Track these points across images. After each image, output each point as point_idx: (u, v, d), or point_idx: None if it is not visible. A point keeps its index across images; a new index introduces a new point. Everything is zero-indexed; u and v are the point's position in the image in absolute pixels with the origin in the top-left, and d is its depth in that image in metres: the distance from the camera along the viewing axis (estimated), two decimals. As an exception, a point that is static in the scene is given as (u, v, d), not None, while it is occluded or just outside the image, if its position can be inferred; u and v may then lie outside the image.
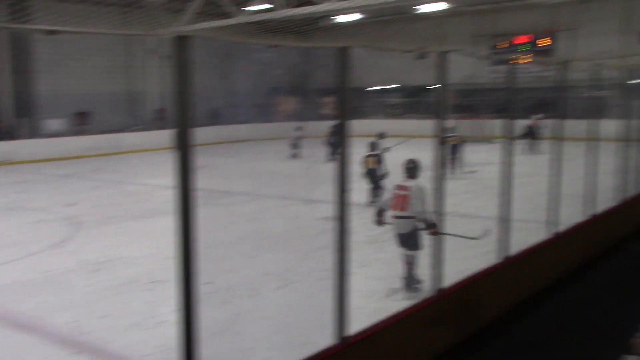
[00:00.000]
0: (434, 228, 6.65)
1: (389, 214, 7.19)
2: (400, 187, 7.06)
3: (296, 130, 22.78)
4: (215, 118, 30.32)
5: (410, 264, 6.99)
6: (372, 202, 12.17)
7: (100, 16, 21.73)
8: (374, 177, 12.36)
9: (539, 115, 22.28)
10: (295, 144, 22.38)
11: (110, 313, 6.66)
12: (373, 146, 12.63)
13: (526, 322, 6.38)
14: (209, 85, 28.80)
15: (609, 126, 10.64)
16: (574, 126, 9.90)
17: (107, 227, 11.18)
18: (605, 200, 9.73)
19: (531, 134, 22.50)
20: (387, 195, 7.55)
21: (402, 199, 6.96)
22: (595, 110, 10.25)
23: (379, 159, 12.36)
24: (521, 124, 22.34)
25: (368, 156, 12.53)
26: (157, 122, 28.46)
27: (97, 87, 25.99)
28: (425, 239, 6.78)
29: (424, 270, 5.82)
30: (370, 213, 11.26)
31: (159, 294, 7.15)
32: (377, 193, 12.13)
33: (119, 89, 27.92)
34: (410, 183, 7.03)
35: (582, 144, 9.16)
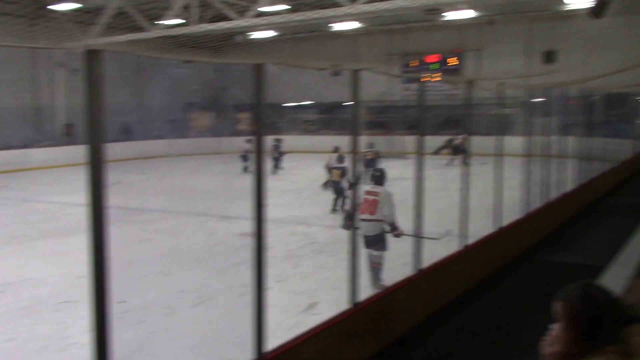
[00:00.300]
0: (397, 230, 7.43)
1: (358, 217, 7.41)
2: (369, 193, 7.59)
3: (246, 143, 22.28)
4: (127, 134, 29.59)
5: (377, 264, 7.44)
6: (335, 211, 13.13)
7: (7, 28, 20.89)
8: (338, 188, 13.34)
9: (465, 135, 22.92)
10: (246, 157, 22.16)
11: (18, 336, 6.36)
12: (339, 159, 13.75)
13: (440, 332, 6.56)
14: (121, 100, 28.14)
15: (514, 142, 11.17)
16: (482, 142, 10.34)
17: (12, 247, 10.67)
18: (512, 213, 10.19)
19: (461, 151, 23.11)
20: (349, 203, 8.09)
21: (371, 204, 7.48)
22: (500, 127, 10.71)
23: (343, 172, 13.25)
24: (436, 140, 23.14)
25: (334, 168, 13.61)
26: (66, 137, 27.46)
27: (1, 101, 24.85)
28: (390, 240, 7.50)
29: (342, 283, 5.88)
30: (288, 227, 11.41)
31: (69, 314, 6.89)
32: (341, 202, 13.20)
33: (25, 103, 26.78)
34: (379, 189, 7.61)
35: (490, 158, 9.55)
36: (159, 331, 6.33)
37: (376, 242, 7.42)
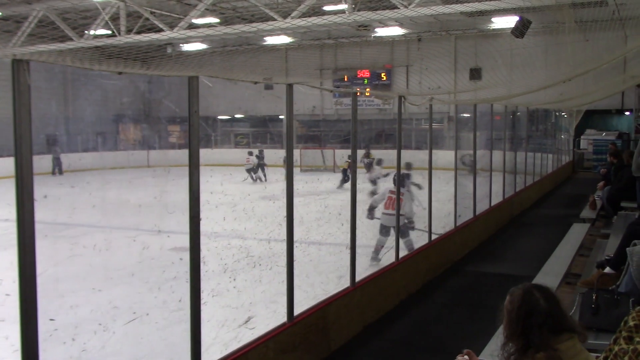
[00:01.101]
0: (413, 224, 9.28)
1: (381, 211, 9.30)
2: (393, 192, 8.97)
3: (249, 155, 24.10)
4: (54, 146, 28.62)
5: (410, 247, 9.09)
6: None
7: None
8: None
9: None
10: (253, 169, 23.72)
11: (-63, 359, 6.03)
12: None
13: (376, 344, 6.62)
14: (48, 111, 27.22)
15: (444, 156, 11.45)
16: (414, 155, 10.53)
17: None
18: (444, 225, 10.43)
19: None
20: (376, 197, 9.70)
21: (395, 201, 8.71)
22: (430, 141, 10.93)
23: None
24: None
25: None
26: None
27: None
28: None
29: (279, 297, 5.86)
30: (223, 241, 11.28)
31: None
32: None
33: None
34: (402, 190, 8.78)
35: (423, 172, 9.74)
36: (90, 349, 6.13)
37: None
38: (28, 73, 3.23)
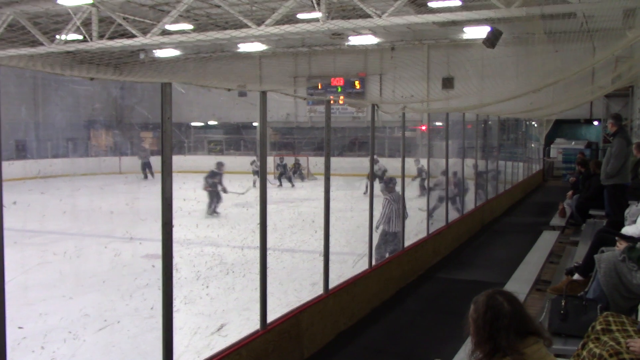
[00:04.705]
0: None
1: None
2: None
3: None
4: (22, 152, 28.18)
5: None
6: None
7: None
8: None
9: None
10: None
11: None
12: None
13: (349, 351, 6.63)
14: (18, 116, 26.83)
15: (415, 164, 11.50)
16: (387, 163, 10.56)
17: None
18: (416, 232, 10.50)
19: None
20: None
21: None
22: (403, 149, 11.01)
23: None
24: (343, 161, 23.47)
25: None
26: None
27: None
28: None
29: (252, 304, 5.84)
30: (196, 248, 11.21)
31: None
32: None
33: None
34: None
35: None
36: (60, 358, 6.05)
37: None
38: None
